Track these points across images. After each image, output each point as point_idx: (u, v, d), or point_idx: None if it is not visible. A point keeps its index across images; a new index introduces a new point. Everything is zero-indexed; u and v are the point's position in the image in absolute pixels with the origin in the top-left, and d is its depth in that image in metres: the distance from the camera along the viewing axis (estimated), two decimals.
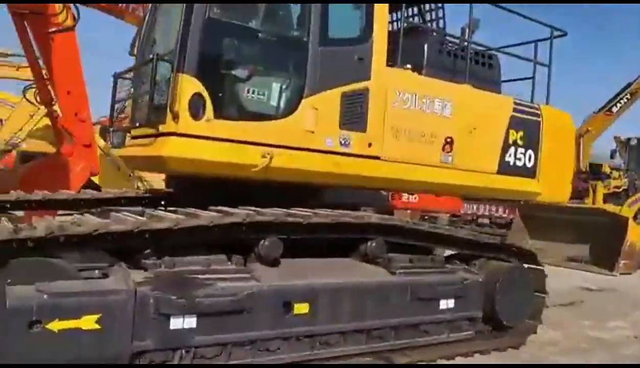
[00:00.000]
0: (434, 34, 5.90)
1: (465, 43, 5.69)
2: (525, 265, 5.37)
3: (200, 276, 3.60)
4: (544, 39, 6.30)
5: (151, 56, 3.96)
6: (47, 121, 10.96)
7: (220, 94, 3.86)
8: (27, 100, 9.68)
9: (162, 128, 3.84)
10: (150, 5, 4.79)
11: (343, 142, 4.36)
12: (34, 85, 8.65)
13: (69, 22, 6.95)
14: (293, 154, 4.12)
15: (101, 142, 11.39)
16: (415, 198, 10.59)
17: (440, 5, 6.12)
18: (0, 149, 14.51)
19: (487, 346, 5.05)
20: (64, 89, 7.32)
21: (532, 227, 11.68)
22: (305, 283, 4.03)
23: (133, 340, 3.29)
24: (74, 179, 7.26)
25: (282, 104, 4.17)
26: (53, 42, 6.99)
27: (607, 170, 15.59)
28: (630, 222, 11.05)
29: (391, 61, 4.84)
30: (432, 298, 4.65)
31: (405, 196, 10.23)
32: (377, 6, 4.56)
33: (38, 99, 8.26)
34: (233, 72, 3.99)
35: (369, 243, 4.48)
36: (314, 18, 4.24)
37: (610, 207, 12.64)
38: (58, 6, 6.74)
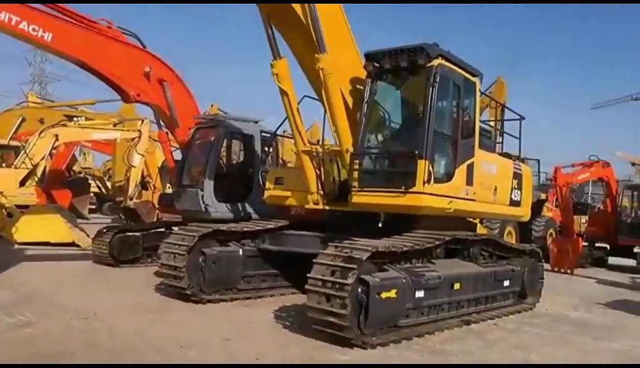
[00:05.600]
0: None
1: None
2: (536, 261, 9.17)
3: (419, 270, 6.72)
4: (513, 120, 10.06)
5: (402, 148, 7.40)
6: None
7: (433, 170, 6.92)
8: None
9: (413, 188, 6.78)
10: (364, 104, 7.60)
11: (467, 192, 7.68)
12: None
13: None
14: (456, 201, 7.37)
15: None
16: None
17: None
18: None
19: (520, 306, 8.72)
20: None
21: None
22: (457, 273, 7.33)
23: (406, 303, 6.35)
24: None
25: (450, 173, 7.40)
26: None
27: None
28: None
29: None
30: (502, 280, 8.26)
31: None
32: (477, 116, 7.95)
33: None
34: (436, 156, 7.14)
35: (471, 249, 7.89)
36: (460, 124, 7.52)
37: None
38: None
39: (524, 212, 9.91)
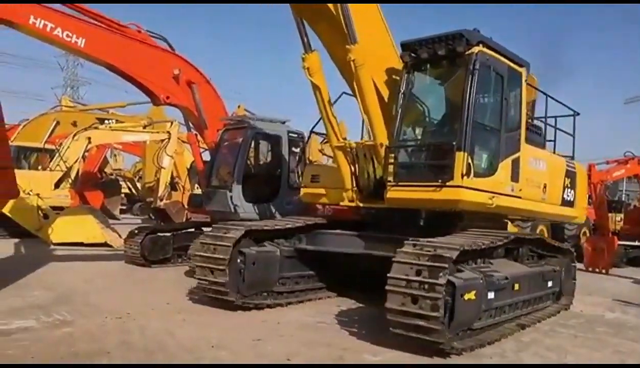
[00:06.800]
0: None
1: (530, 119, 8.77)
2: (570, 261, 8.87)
3: (488, 270, 6.35)
4: (566, 115, 9.35)
5: (440, 140, 7.21)
6: None
7: (473, 163, 6.62)
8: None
9: (451, 182, 6.50)
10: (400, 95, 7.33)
11: (512, 189, 7.33)
12: None
13: None
14: (499, 197, 7.02)
15: None
16: None
17: None
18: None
19: (556, 306, 8.38)
20: None
21: None
22: (516, 273, 6.94)
23: (481, 305, 6.04)
24: None
25: (493, 167, 7.07)
26: None
27: None
28: None
29: None
30: (547, 280, 7.90)
31: None
32: (523, 108, 7.59)
33: None
34: (476, 149, 6.80)
35: (520, 249, 7.51)
36: (503, 116, 7.15)
37: None
38: None
39: (578, 213, 9.56)
